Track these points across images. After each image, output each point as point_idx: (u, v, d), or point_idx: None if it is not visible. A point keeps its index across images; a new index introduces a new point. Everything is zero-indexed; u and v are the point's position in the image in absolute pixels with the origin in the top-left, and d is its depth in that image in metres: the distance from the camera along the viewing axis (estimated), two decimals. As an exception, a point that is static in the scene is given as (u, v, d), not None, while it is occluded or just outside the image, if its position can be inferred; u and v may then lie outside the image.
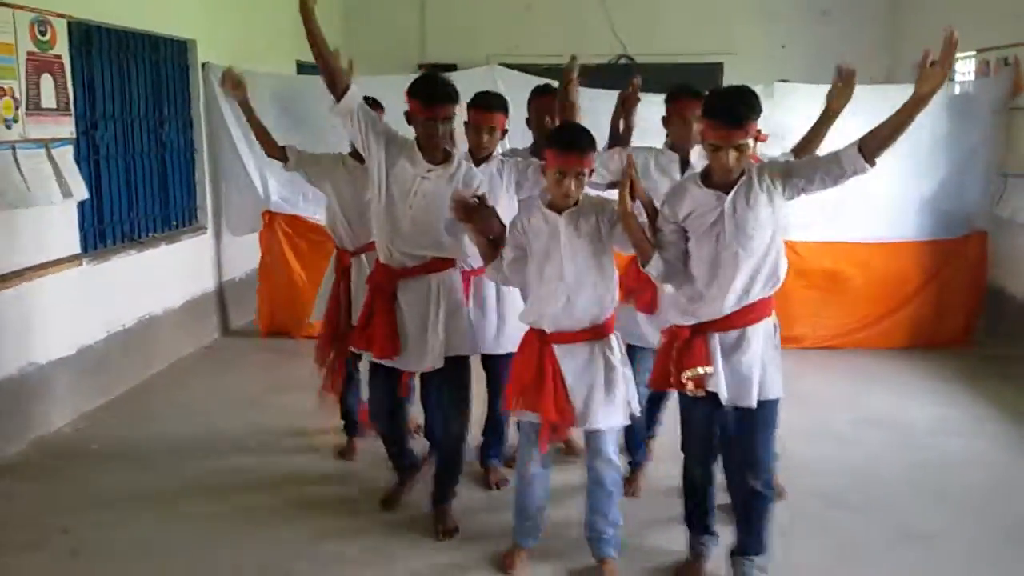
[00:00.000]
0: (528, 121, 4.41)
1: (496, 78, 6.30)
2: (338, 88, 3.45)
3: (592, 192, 3.36)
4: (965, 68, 7.41)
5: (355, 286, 4.20)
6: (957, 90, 6.84)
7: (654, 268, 3.14)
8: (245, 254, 6.71)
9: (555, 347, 3.24)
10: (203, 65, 6.36)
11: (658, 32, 9.25)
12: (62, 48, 4.80)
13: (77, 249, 5.03)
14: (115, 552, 3.54)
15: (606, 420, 3.27)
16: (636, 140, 4.16)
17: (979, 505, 3.97)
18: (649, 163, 3.76)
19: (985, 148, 6.43)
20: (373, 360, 3.70)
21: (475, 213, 3.34)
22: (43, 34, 4.64)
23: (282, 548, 3.58)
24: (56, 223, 4.82)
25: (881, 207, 6.26)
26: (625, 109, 4.13)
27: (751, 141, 3.00)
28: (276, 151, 4.36)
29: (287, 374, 5.67)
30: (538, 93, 4.40)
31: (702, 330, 3.10)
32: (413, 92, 3.49)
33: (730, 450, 3.23)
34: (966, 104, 6.48)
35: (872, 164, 2.95)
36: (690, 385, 3.08)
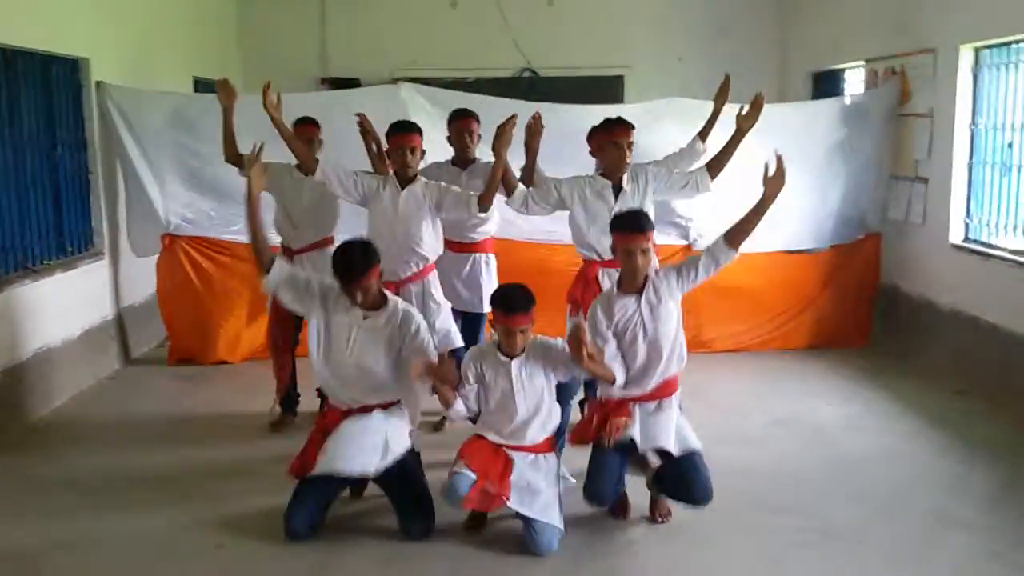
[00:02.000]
0: (449, 139, 5.00)
1: (404, 96, 6.26)
2: (263, 264, 3.81)
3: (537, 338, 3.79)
4: (855, 78, 7.72)
5: None
6: (849, 100, 7.13)
7: (620, 380, 3.72)
8: (144, 278, 6.45)
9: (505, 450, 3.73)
10: (97, 84, 6.11)
11: (560, 46, 9.33)
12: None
13: (-34, 280, 4.76)
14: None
15: (544, 513, 3.59)
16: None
17: (898, 501, 4.09)
18: (585, 190, 4.39)
19: (877, 154, 6.74)
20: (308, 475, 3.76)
21: (444, 370, 3.67)
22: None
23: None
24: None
25: (783, 219, 6.42)
26: (530, 136, 4.54)
27: (651, 246, 3.74)
28: (237, 158, 4.75)
29: (196, 402, 5.49)
30: (458, 115, 4.96)
31: (626, 400, 3.76)
32: (335, 267, 3.70)
33: (677, 491, 3.78)
34: (859, 113, 6.76)
35: (736, 251, 3.77)
36: (612, 431, 3.66)
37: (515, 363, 3.70)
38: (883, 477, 4.36)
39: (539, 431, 3.75)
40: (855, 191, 6.75)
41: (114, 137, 6.22)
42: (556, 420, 3.82)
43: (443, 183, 4.54)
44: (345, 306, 3.77)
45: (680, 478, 3.69)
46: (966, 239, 6.00)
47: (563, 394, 3.94)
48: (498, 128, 4.28)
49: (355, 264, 3.66)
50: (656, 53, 9.38)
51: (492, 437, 3.74)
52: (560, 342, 3.73)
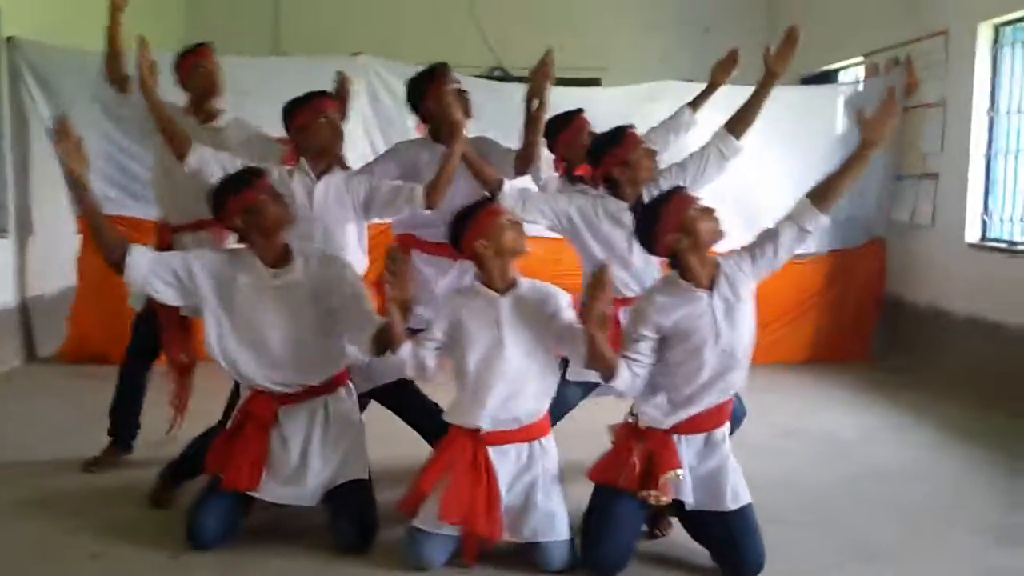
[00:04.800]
0: (423, 116, 3.61)
1: (364, 68, 5.60)
2: (113, 257, 2.90)
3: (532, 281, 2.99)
4: (850, 78, 7.19)
5: None
6: (848, 91, 6.56)
7: (624, 383, 2.81)
8: (58, 266, 5.62)
9: (490, 449, 2.86)
10: (8, 40, 5.34)
11: (534, 43, 8.64)
12: None
13: None
14: None
15: (547, 532, 2.83)
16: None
17: (931, 517, 3.43)
18: (597, 211, 3.40)
19: (882, 151, 6.12)
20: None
21: (401, 271, 2.78)
22: None
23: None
24: None
25: (776, 218, 5.86)
26: (536, 88, 3.38)
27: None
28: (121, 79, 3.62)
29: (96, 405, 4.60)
30: (434, 75, 3.57)
31: (670, 434, 2.86)
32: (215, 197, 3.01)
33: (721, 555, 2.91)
34: (860, 107, 6.15)
35: (825, 213, 2.90)
36: (655, 492, 2.77)
37: (506, 300, 2.90)
38: (914, 493, 3.68)
39: (534, 400, 2.93)
40: (856, 191, 6.08)
41: (26, 100, 5.43)
42: (553, 387, 3.02)
43: (370, 175, 3.50)
44: (247, 272, 2.99)
45: (728, 540, 2.84)
46: (984, 237, 5.40)
47: (556, 404, 3.12)
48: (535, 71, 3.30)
49: (241, 174, 3.02)
50: (635, 52, 8.83)
51: (472, 421, 2.87)
52: (565, 299, 2.95)
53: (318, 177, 3.35)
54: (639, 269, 3.36)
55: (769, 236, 2.91)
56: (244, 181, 2.99)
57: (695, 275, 2.83)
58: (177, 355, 3.74)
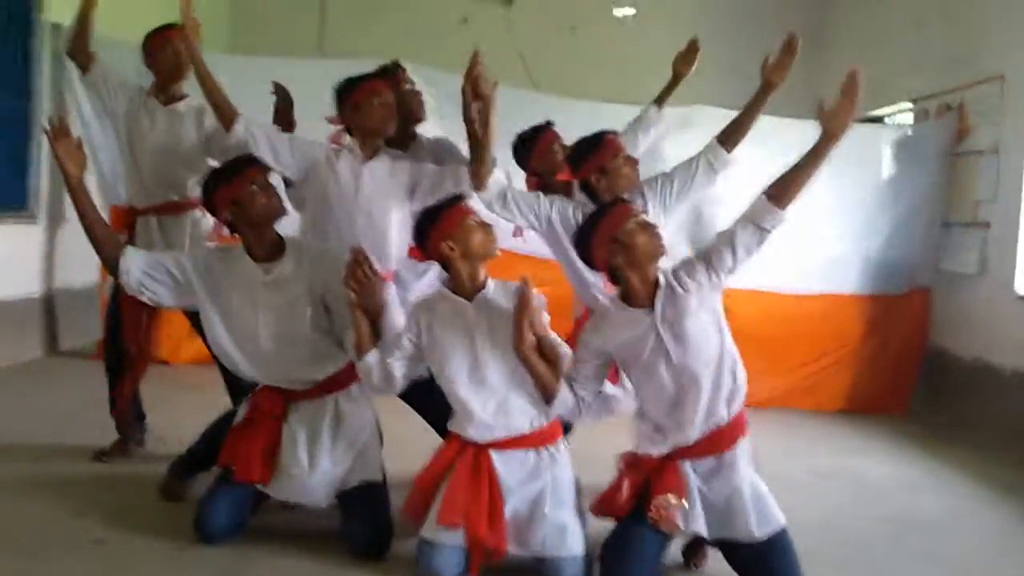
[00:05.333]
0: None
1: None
2: (108, 258, 2.91)
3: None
4: (904, 119, 7.03)
5: None
6: (897, 134, 6.39)
7: (564, 406, 2.69)
8: (88, 257, 5.50)
9: (493, 453, 2.70)
10: (53, 26, 5.33)
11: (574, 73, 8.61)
12: None
13: None
14: None
15: (558, 547, 2.64)
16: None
17: (976, 571, 3.23)
18: (577, 216, 3.19)
19: (929, 197, 5.96)
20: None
21: (367, 275, 2.70)
22: None
23: None
24: None
25: (817, 257, 5.74)
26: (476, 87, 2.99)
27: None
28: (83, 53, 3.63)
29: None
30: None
31: (672, 457, 2.69)
32: (214, 182, 2.92)
33: None
34: (908, 150, 6.01)
35: (784, 210, 2.67)
36: (655, 514, 2.59)
37: (474, 306, 2.72)
38: (958, 545, 3.46)
39: (532, 406, 2.74)
40: (901, 237, 5.91)
41: (67, 89, 5.40)
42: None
43: (413, 160, 3.37)
44: (237, 269, 2.90)
45: (762, 570, 2.65)
46: (1036, 289, 5.20)
47: None
48: (467, 73, 2.94)
49: (231, 164, 2.94)
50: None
51: (465, 432, 2.73)
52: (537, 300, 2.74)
53: (366, 160, 3.22)
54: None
55: (724, 239, 2.69)
56: (232, 171, 2.90)
57: (635, 293, 2.67)
58: (131, 345, 3.62)
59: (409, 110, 3.55)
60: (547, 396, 2.67)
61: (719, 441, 2.69)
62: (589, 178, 3.29)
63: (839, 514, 3.70)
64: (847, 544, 3.34)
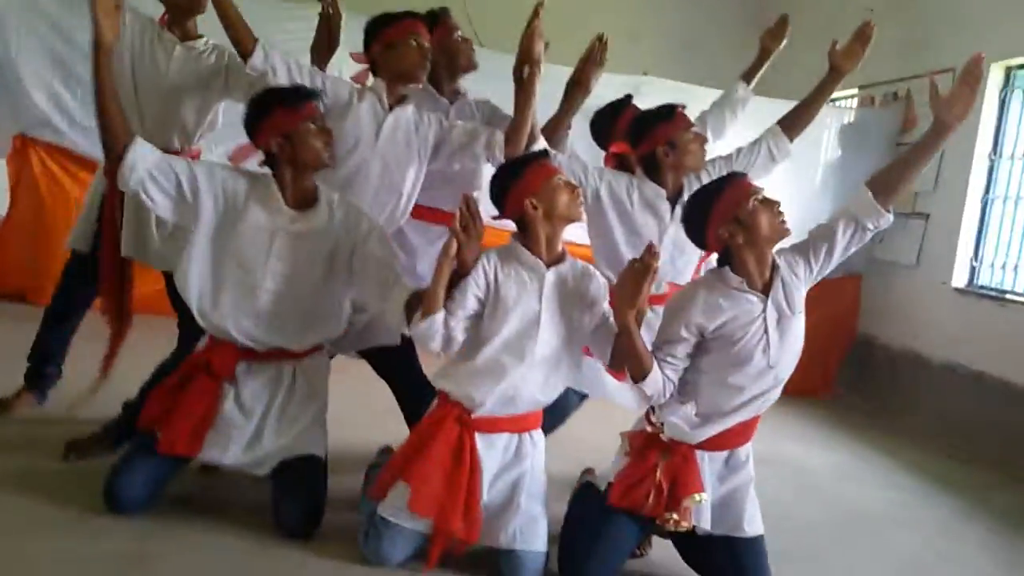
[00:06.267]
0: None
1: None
2: (114, 147, 2.52)
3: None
4: (848, 105, 7.00)
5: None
6: (845, 120, 6.36)
7: (654, 387, 2.44)
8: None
9: (478, 436, 2.47)
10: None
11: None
12: None
13: None
14: None
15: (528, 540, 2.45)
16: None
17: (928, 567, 3.19)
18: (632, 194, 2.97)
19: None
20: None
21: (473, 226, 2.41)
22: None
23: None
24: None
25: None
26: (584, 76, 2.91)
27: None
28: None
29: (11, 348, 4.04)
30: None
31: (693, 451, 2.54)
32: (271, 102, 2.59)
33: None
34: (854, 136, 5.99)
35: (889, 213, 2.52)
36: (675, 517, 2.44)
37: (551, 274, 2.50)
38: (908, 545, 3.40)
39: (549, 389, 2.54)
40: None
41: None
42: (570, 383, 2.65)
43: (440, 116, 3.08)
44: (264, 206, 2.58)
45: (734, 569, 2.52)
46: (971, 283, 5.22)
47: (556, 408, 2.74)
48: (528, 26, 2.75)
49: (295, 91, 2.64)
50: (618, 61, 8.51)
51: (471, 400, 2.46)
52: (605, 287, 2.59)
53: (391, 107, 2.91)
54: (664, 264, 2.87)
55: (824, 235, 2.54)
56: (295, 98, 2.57)
57: (749, 275, 2.47)
58: (113, 308, 3.20)
59: (458, 62, 3.26)
60: (639, 373, 2.42)
61: (739, 435, 2.57)
62: (655, 151, 2.97)
63: (782, 504, 3.58)
64: (795, 534, 3.24)
